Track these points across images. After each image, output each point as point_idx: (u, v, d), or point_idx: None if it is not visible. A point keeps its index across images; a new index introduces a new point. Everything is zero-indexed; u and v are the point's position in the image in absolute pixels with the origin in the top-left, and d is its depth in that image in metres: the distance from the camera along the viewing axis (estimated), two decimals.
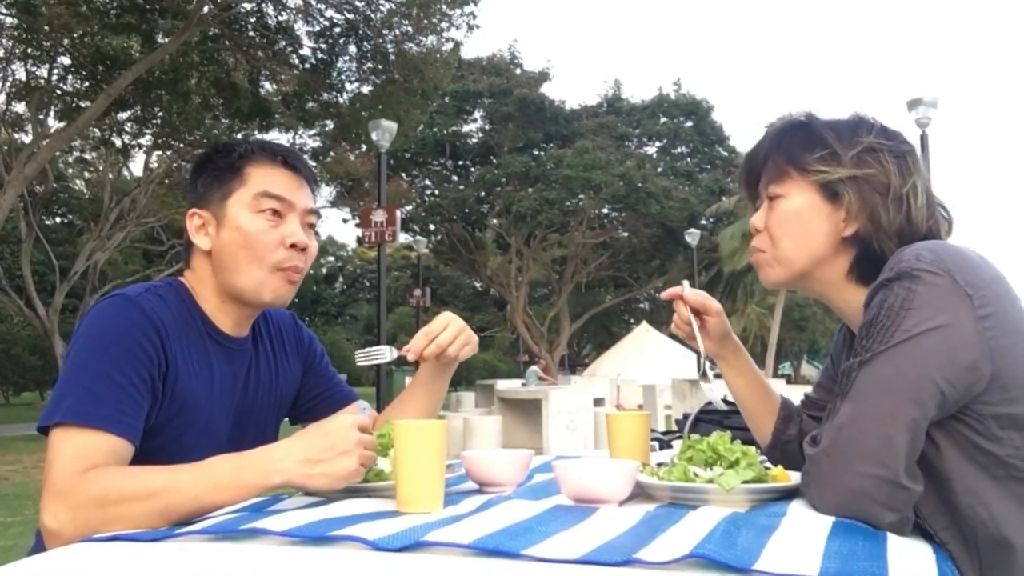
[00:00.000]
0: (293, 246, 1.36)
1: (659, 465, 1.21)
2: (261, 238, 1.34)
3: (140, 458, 1.20)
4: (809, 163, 1.19)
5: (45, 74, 15.53)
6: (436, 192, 27.10)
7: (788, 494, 1.11)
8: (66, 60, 14.71)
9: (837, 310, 1.26)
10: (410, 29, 14.20)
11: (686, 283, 1.39)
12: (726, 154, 28.50)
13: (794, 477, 1.13)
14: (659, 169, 27.25)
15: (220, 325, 1.39)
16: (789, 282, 1.26)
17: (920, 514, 1.06)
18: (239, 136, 15.80)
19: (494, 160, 26.10)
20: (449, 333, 1.43)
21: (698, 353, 1.38)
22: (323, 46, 14.60)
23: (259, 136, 16.20)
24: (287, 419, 1.60)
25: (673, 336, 1.43)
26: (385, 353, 1.49)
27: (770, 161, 1.25)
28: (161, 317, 1.28)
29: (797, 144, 1.22)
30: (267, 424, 1.50)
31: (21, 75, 15.61)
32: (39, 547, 1.28)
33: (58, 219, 25.00)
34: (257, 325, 1.49)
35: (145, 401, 1.23)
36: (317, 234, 1.51)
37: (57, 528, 1.09)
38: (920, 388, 0.99)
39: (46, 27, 13.07)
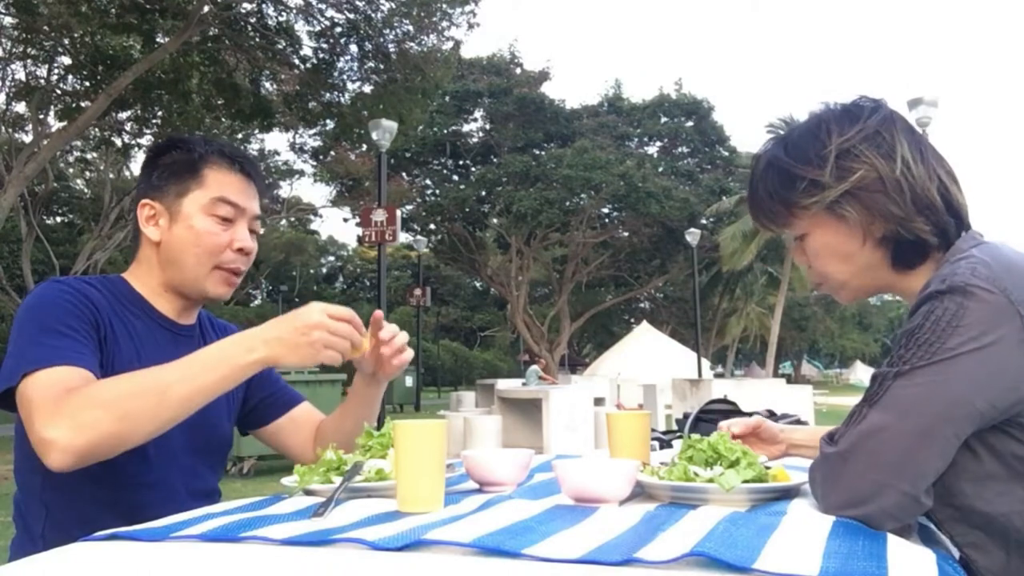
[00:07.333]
0: (240, 250, 1.46)
1: (660, 465, 1.21)
2: (212, 240, 1.43)
3: None
4: (799, 200, 1.17)
5: (45, 74, 15.52)
6: (436, 192, 27.07)
7: (788, 493, 1.11)
8: (66, 60, 14.69)
9: (900, 295, 1.24)
10: (411, 28, 14.17)
11: (725, 425, 1.37)
12: (727, 154, 28.48)
13: (794, 477, 1.13)
14: (659, 169, 27.21)
15: (162, 311, 1.47)
16: (861, 297, 1.27)
17: (942, 520, 1.06)
18: (240, 136, 15.80)
19: (494, 160, 26.08)
20: (401, 339, 1.47)
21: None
22: (324, 46, 14.57)
23: (261, 136, 16.21)
24: (238, 429, 1.64)
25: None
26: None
27: (766, 210, 1.24)
28: (91, 294, 1.36)
29: (779, 186, 1.20)
30: (219, 412, 1.50)
31: (21, 75, 15.61)
32: (16, 555, 1.29)
33: (58, 219, 25.03)
34: (203, 320, 1.57)
35: (94, 345, 1.30)
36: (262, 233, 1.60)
37: (57, 436, 1.12)
38: (957, 408, 0.97)
39: (46, 27, 13.05)
